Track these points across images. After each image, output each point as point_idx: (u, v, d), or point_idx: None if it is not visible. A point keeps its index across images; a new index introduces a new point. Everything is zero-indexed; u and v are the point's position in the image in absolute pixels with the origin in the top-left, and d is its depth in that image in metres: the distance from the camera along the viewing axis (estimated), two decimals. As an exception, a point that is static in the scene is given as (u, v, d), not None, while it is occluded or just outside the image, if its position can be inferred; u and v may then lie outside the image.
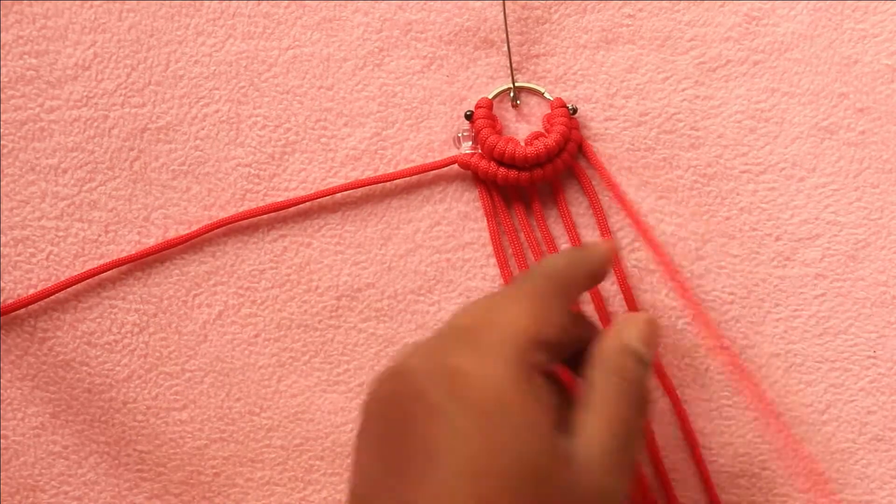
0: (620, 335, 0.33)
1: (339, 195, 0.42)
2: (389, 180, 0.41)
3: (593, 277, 0.35)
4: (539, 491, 0.28)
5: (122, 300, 0.41)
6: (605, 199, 0.42)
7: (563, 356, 0.33)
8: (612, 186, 0.41)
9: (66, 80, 0.41)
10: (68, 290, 0.41)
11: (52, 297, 0.41)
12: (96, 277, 0.41)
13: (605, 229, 0.41)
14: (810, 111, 0.42)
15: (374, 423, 0.31)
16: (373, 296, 0.42)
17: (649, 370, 0.33)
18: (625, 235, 0.42)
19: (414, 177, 0.41)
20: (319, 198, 0.41)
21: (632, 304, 0.41)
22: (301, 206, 0.41)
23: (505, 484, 0.28)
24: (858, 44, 0.42)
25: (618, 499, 0.30)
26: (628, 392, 0.32)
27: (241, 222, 0.41)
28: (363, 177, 0.41)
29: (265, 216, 0.41)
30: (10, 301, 0.40)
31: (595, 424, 0.31)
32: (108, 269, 0.41)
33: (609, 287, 0.41)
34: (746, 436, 0.41)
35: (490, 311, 0.32)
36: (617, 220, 0.42)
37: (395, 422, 0.30)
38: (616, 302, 0.41)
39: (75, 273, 0.41)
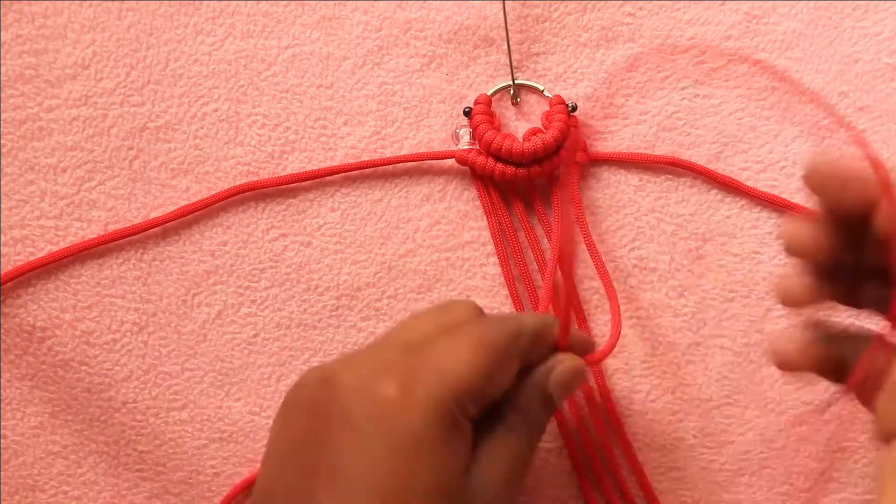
0: (545, 378, 0.34)
1: (338, 195, 0.41)
2: (389, 164, 0.41)
3: (546, 348, 0.35)
4: None
5: (121, 299, 0.41)
6: (605, 196, 0.42)
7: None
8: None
9: (65, 78, 0.41)
10: (67, 290, 0.41)
11: (52, 296, 0.41)
12: (96, 277, 0.41)
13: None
14: (811, 110, 0.42)
15: (292, 420, 0.33)
16: (372, 295, 0.41)
17: (554, 411, 0.36)
18: (625, 235, 0.41)
19: (413, 176, 0.41)
20: (325, 175, 0.41)
21: (615, 304, 0.41)
22: (300, 205, 0.41)
23: None
24: (859, 42, 0.42)
25: None
26: (534, 435, 0.35)
27: (241, 216, 0.41)
28: (363, 177, 0.41)
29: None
30: (8, 269, 0.40)
31: (498, 459, 0.33)
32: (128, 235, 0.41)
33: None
34: (747, 434, 0.41)
35: (439, 339, 0.33)
36: (616, 218, 0.41)
37: (315, 428, 0.32)
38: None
39: (74, 273, 0.41)
